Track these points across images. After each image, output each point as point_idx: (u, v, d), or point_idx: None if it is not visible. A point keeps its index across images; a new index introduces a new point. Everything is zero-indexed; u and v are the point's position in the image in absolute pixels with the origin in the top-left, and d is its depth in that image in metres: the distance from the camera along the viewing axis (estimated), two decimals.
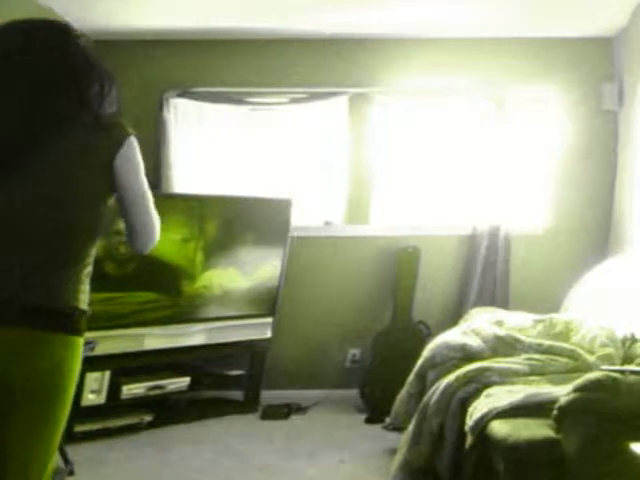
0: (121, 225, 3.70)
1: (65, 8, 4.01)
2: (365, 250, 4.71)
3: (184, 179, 4.64)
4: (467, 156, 4.70)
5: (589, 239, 4.57)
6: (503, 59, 4.59)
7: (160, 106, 4.57)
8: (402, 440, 3.18)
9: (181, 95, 4.63)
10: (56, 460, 1.93)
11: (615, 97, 4.50)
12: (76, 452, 3.48)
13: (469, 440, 2.63)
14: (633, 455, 2.04)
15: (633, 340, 3.18)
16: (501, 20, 4.28)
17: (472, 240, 4.65)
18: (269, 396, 4.48)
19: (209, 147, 4.71)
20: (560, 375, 2.97)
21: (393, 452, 3.34)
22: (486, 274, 4.60)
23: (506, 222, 4.60)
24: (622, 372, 2.29)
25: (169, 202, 4.27)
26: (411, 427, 3.11)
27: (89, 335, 3.50)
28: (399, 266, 4.61)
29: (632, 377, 2.25)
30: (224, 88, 4.63)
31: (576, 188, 4.61)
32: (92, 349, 3.48)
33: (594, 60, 4.58)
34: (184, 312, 4.19)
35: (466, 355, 3.26)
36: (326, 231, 4.74)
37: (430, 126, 4.72)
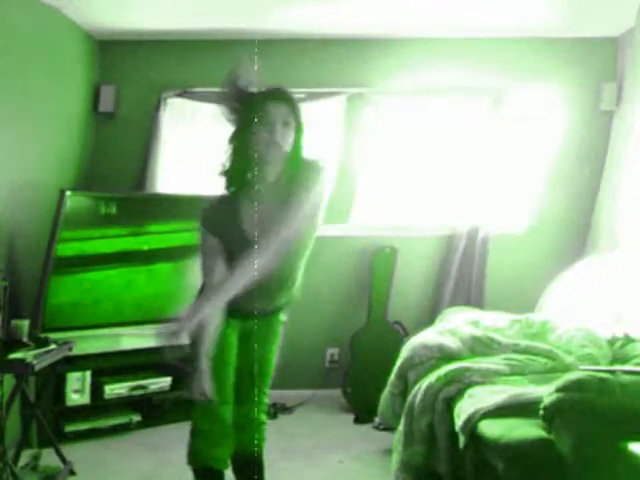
0: None
1: (66, 8, 4.01)
2: (343, 250, 4.73)
3: (175, 179, 4.63)
4: (460, 156, 4.72)
5: (568, 240, 4.62)
6: (504, 59, 4.62)
7: (157, 106, 4.58)
8: (395, 440, 3.20)
9: (180, 95, 4.64)
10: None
11: (614, 97, 4.51)
12: (72, 452, 3.50)
13: (462, 440, 2.66)
14: (631, 455, 2.07)
15: (627, 340, 3.22)
16: (507, 20, 4.30)
17: (450, 241, 4.70)
18: None
19: (207, 147, 4.70)
20: (540, 375, 3.01)
21: (388, 452, 3.37)
22: (462, 274, 4.64)
23: (486, 223, 4.64)
24: (612, 372, 2.31)
25: (151, 201, 4.27)
26: (401, 427, 3.13)
27: (67, 335, 3.55)
28: (375, 266, 4.65)
29: (625, 377, 2.27)
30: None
31: (562, 189, 4.66)
32: (70, 349, 3.46)
33: (596, 60, 4.60)
34: (162, 311, 4.17)
35: (444, 355, 3.30)
36: None
37: (426, 127, 4.74)
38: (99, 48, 4.65)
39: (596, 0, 3.93)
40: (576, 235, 4.61)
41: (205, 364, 2.31)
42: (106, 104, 4.65)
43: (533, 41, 4.57)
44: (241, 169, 2.39)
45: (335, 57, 4.65)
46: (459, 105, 4.70)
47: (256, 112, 2.34)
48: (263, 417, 2.66)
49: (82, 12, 4.12)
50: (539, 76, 4.62)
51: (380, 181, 4.82)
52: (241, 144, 2.38)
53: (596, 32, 4.49)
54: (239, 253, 2.33)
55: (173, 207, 4.18)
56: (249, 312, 2.49)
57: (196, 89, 4.64)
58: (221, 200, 2.45)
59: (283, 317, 2.70)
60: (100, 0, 3.98)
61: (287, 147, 2.36)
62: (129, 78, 4.69)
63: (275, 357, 2.69)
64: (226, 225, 2.40)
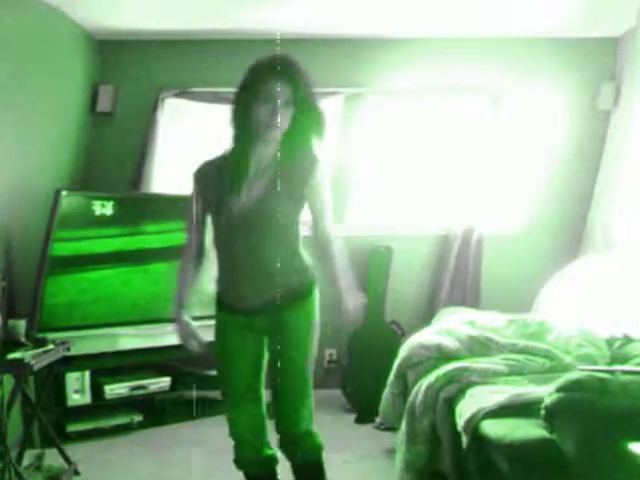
0: None
1: (66, 7, 4.00)
2: None
3: (172, 179, 4.61)
4: (457, 156, 4.74)
5: (564, 239, 4.64)
6: (503, 58, 4.63)
7: (155, 106, 4.57)
8: (398, 441, 3.20)
9: (178, 95, 4.63)
10: None
11: (611, 97, 4.52)
12: (75, 452, 3.50)
13: (465, 440, 2.67)
14: (632, 455, 2.08)
15: (626, 340, 3.25)
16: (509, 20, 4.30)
17: (445, 241, 4.71)
18: None
19: (204, 147, 4.68)
20: (539, 375, 3.03)
21: (391, 451, 3.38)
22: (457, 274, 4.65)
23: (481, 224, 4.65)
24: (611, 372, 2.33)
25: (147, 201, 4.26)
26: (404, 427, 3.14)
27: (63, 335, 3.54)
28: (371, 266, 4.64)
29: (625, 377, 2.29)
30: (222, 88, 4.59)
31: (558, 188, 4.67)
32: (68, 349, 3.45)
33: (596, 60, 4.61)
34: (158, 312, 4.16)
35: (442, 355, 3.31)
36: None
37: (423, 127, 4.75)
38: (98, 48, 4.63)
39: (596, 0, 3.94)
40: (572, 235, 4.63)
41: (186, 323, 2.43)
42: (104, 104, 4.63)
43: (532, 41, 4.58)
44: (238, 139, 2.35)
45: (333, 57, 4.64)
46: (456, 105, 4.71)
47: (258, 86, 2.27)
48: (301, 429, 2.66)
49: (82, 12, 4.10)
50: (538, 76, 4.63)
51: (376, 181, 4.83)
52: (240, 117, 2.31)
53: (596, 32, 4.50)
54: (219, 216, 2.35)
55: (170, 207, 4.17)
56: (243, 307, 2.42)
57: (194, 89, 4.63)
58: (218, 159, 2.42)
59: (304, 317, 2.55)
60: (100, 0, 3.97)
61: (285, 126, 2.31)
62: (127, 78, 4.67)
63: (302, 365, 2.58)
64: (213, 184, 2.38)
